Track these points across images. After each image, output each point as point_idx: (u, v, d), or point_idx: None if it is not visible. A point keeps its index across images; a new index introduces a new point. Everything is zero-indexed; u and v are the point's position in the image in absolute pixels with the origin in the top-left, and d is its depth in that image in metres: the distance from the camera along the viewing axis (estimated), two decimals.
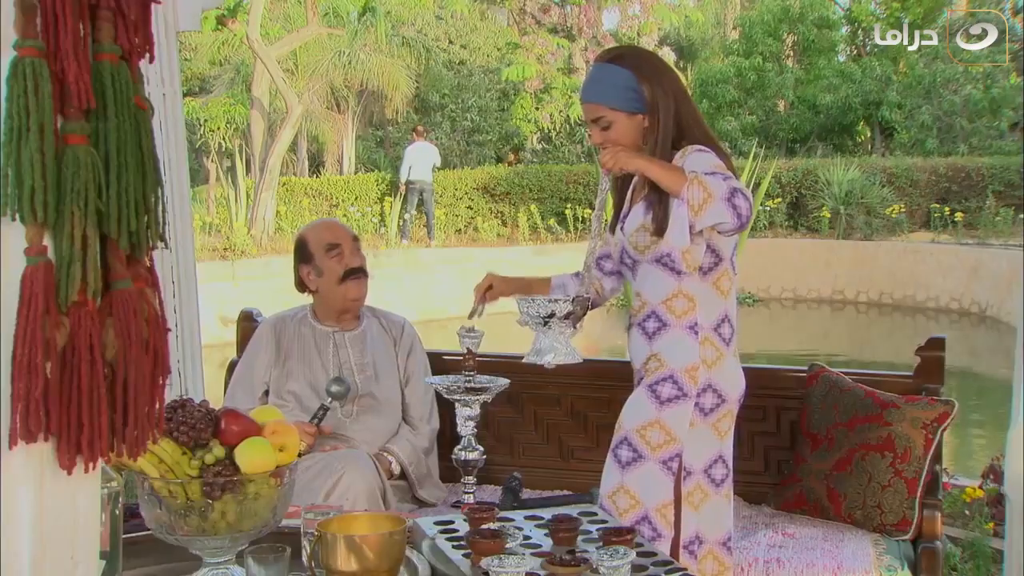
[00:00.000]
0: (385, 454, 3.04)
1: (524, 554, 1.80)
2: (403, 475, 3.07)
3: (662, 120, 2.39)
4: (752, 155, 8.70)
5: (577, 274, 2.62)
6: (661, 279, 2.41)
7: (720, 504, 2.46)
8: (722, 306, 2.42)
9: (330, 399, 2.98)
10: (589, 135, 2.58)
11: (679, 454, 2.37)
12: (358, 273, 3.13)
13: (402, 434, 3.13)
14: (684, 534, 2.40)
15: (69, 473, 1.04)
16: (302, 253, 3.15)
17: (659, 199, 2.35)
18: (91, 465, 1.05)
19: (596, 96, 2.44)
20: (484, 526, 1.95)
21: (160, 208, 1.11)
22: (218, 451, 1.82)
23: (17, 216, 1.01)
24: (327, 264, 3.11)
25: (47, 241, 1.03)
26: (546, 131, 21.40)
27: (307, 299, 3.25)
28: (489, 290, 2.64)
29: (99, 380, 1.05)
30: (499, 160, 20.88)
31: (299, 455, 1.95)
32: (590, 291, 2.55)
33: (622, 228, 2.49)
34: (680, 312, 2.40)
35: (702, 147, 2.38)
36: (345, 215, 16.23)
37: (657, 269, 2.41)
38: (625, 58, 2.47)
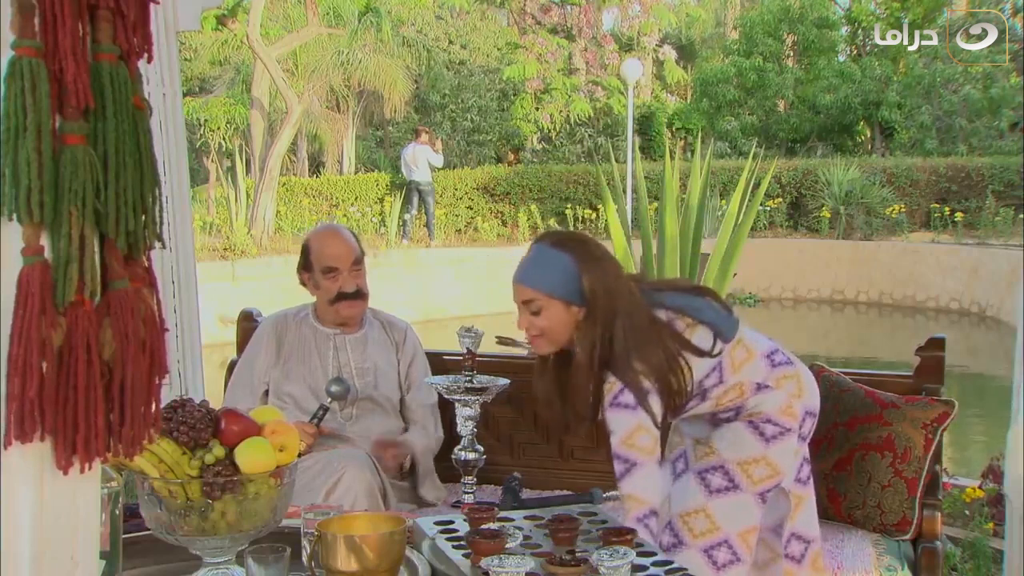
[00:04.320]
0: (402, 443, 3.03)
1: (524, 554, 1.80)
2: (412, 470, 3.06)
3: (601, 319, 2.23)
4: (752, 155, 8.70)
5: None
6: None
7: (811, 502, 2.48)
8: (756, 358, 2.38)
9: (330, 399, 2.97)
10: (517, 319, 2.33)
11: (779, 484, 2.37)
12: (351, 297, 3.12)
13: (414, 430, 3.13)
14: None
15: (66, 473, 1.04)
16: (304, 259, 3.16)
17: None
18: (87, 465, 1.05)
19: (532, 280, 2.28)
20: (484, 526, 1.95)
21: (158, 208, 1.11)
22: (218, 451, 1.82)
23: (14, 216, 1.01)
24: (323, 283, 3.11)
25: (44, 241, 1.03)
26: (546, 131, 21.40)
27: (309, 297, 3.25)
28: None
29: (95, 380, 1.04)
30: (499, 160, 20.86)
31: (299, 455, 1.95)
32: None
33: None
34: (736, 397, 2.37)
35: (616, 398, 2.23)
36: (345, 215, 16.23)
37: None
38: (566, 244, 2.31)
